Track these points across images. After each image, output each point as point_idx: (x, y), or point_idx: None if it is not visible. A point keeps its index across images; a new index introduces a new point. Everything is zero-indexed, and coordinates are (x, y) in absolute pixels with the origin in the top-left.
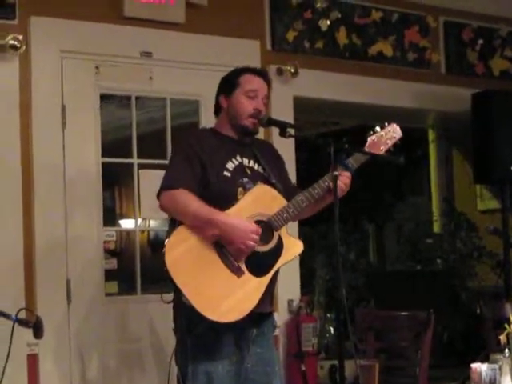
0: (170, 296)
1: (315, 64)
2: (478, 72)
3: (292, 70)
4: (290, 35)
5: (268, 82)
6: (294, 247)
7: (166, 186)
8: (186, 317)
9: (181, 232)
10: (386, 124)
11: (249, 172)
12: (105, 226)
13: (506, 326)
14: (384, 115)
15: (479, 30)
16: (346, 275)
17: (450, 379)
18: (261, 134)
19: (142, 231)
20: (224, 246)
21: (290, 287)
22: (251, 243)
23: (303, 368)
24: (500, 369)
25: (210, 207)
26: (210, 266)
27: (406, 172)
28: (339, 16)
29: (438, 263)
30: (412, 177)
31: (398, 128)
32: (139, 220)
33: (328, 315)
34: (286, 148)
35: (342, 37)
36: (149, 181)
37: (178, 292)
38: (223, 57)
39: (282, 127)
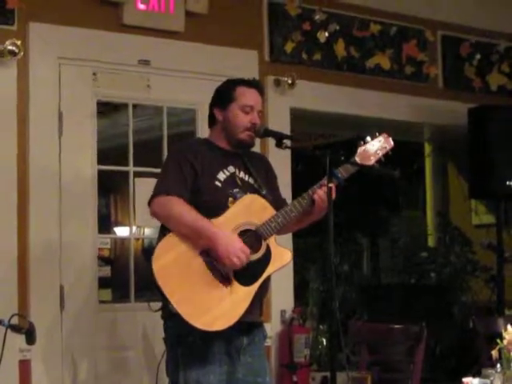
0: (157, 304)
1: (313, 75)
2: (475, 87)
3: (289, 81)
4: (289, 46)
5: (262, 93)
6: (282, 257)
7: (158, 192)
8: (177, 327)
9: (169, 240)
10: (377, 134)
11: (240, 183)
12: (99, 233)
13: (499, 341)
14: (380, 128)
15: (477, 44)
16: (340, 287)
17: None
18: (257, 145)
19: (137, 239)
20: (211, 255)
21: (283, 298)
22: (237, 262)
23: (295, 379)
24: (491, 383)
25: (203, 217)
26: (197, 275)
27: (402, 185)
28: (337, 28)
29: (431, 277)
30: (407, 190)
31: (389, 139)
32: (134, 228)
33: (321, 327)
34: (283, 159)
35: (340, 49)
36: (144, 189)
37: (165, 300)
38: (221, 66)
39: (279, 138)
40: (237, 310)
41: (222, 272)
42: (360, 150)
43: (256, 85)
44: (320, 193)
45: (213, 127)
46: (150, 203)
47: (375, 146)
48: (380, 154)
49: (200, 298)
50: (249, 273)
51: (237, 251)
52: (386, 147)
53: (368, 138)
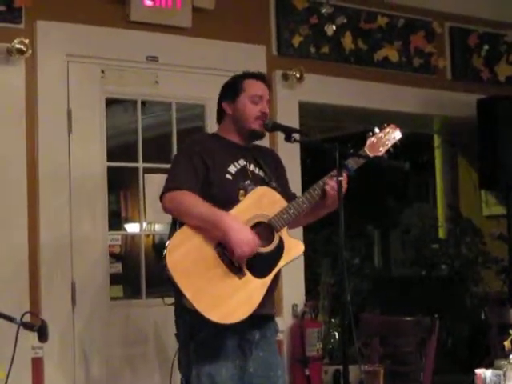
0: (171, 299)
1: (321, 69)
2: (483, 78)
3: (297, 75)
4: (296, 40)
5: (269, 85)
6: (294, 248)
7: (169, 187)
8: (189, 322)
9: (182, 233)
10: (385, 125)
11: (250, 176)
12: (110, 229)
13: (511, 331)
14: (389, 121)
15: (485, 35)
16: (351, 280)
17: None
18: (266, 139)
19: (147, 235)
20: (225, 247)
21: (294, 292)
22: (248, 252)
23: (307, 373)
24: (504, 375)
25: (215, 207)
26: (211, 267)
27: (412, 177)
28: (345, 21)
29: (442, 269)
30: (417, 182)
31: (397, 129)
32: (144, 224)
33: (333, 320)
34: (292, 153)
35: (347, 42)
36: (154, 185)
37: (179, 295)
38: (229, 62)
39: (288, 132)
40: (251, 303)
41: (236, 264)
42: (369, 141)
43: (262, 77)
44: (331, 183)
45: (222, 122)
46: (161, 199)
47: (384, 137)
48: (389, 145)
49: (214, 290)
50: (262, 265)
51: (249, 241)
52: (394, 138)
53: (376, 130)
